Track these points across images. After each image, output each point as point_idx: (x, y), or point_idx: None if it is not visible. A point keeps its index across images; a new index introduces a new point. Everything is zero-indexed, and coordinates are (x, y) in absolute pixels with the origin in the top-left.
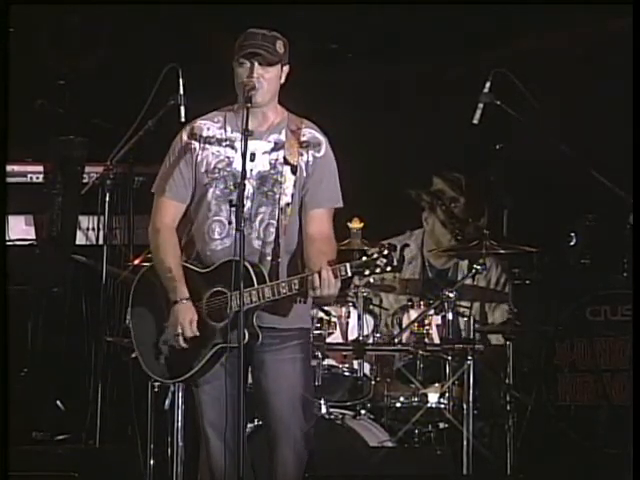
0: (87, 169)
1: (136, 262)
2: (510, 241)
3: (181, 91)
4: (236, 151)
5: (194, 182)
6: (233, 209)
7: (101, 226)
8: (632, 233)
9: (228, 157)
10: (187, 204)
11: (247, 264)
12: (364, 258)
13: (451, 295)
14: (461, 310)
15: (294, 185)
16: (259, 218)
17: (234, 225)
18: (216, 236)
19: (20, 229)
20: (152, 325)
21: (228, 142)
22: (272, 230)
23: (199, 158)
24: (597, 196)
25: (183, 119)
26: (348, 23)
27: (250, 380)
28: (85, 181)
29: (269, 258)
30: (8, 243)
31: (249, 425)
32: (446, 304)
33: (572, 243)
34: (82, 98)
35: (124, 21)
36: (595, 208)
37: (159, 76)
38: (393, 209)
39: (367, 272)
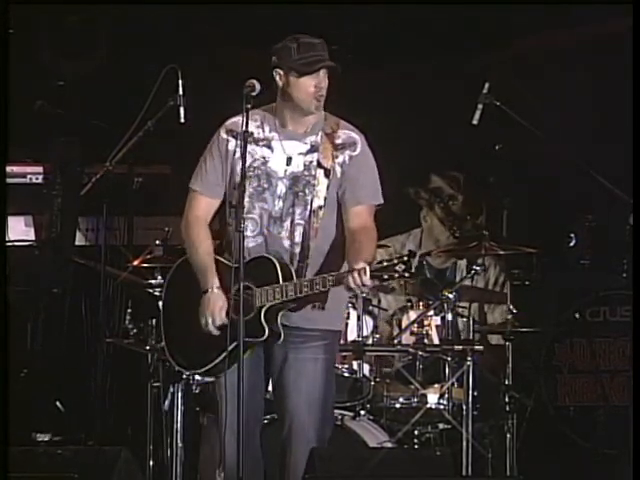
0: (86, 170)
1: (135, 263)
2: (510, 242)
3: (180, 92)
4: (272, 151)
5: (229, 179)
6: (264, 206)
7: (100, 227)
8: (632, 233)
9: (264, 156)
10: (220, 200)
11: (275, 261)
12: (385, 263)
13: (450, 296)
14: (460, 311)
15: (327, 188)
16: (290, 218)
17: (265, 224)
18: (249, 233)
19: (20, 230)
20: (181, 316)
21: (265, 142)
22: (302, 231)
23: (236, 155)
24: (597, 196)
25: (182, 120)
26: (348, 24)
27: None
28: (84, 182)
29: (297, 258)
30: (8, 244)
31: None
32: (445, 305)
33: (572, 244)
34: (81, 99)
35: (123, 21)
36: (595, 208)
37: (159, 77)
38: (392, 209)
39: (386, 276)
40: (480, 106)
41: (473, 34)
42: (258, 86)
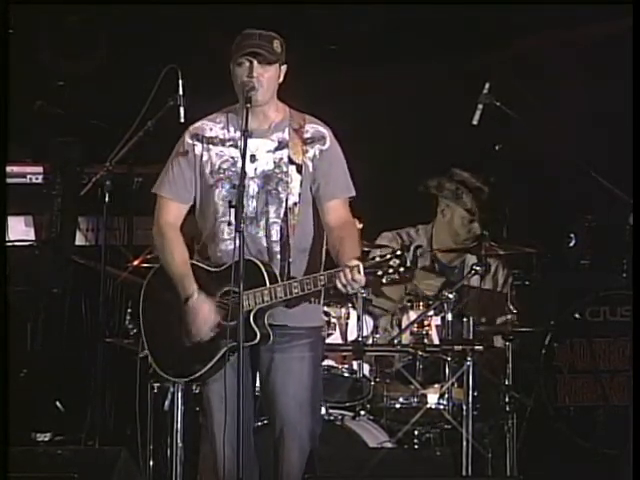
0: (86, 170)
1: (135, 263)
2: (510, 242)
3: (180, 92)
4: (240, 151)
5: (197, 184)
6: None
7: (100, 227)
8: (632, 233)
9: (232, 157)
10: (190, 204)
11: (259, 263)
12: (377, 259)
13: (450, 296)
14: (461, 311)
15: (301, 184)
16: (265, 217)
17: (238, 226)
18: (225, 236)
19: (20, 230)
20: (162, 323)
21: (231, 142)
22: (279, 229)
23: (203, 159)
24: (597, 196)
25: (182, 120)
26: (348, 24)
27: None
28: (84, 182)
29: (279, 257)
30: (8, 244)
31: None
32: (445, 305)
33: (572, 244)
34: (81, 99)
35: (123, 21)
36: (595, 208)
37: (158, 77)
38: (393, 210)
39: (380, 273)
40: (480, 106)
41: (473, 34)
42: (257, 85)
